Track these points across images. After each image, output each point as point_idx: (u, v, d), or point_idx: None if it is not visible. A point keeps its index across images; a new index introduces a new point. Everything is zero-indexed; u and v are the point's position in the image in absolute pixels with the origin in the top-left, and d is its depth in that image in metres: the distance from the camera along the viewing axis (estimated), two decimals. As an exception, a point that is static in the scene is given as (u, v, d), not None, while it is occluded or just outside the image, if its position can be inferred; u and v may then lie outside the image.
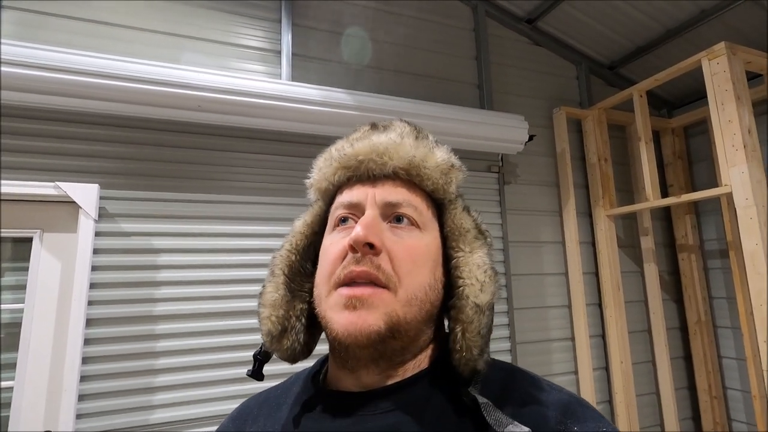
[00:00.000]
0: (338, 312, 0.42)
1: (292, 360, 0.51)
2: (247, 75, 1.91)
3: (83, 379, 1.50)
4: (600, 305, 2.43)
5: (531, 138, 2.26)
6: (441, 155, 0.51)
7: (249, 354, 1.63)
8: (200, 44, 1.94)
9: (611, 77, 2.76)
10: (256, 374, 0.52)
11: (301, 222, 0.55)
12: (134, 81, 1.64)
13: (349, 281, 0.43)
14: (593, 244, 2.48)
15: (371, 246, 0.43)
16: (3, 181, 1.48)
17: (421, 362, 0.46)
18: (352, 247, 0.43)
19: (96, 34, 1.77)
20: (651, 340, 2.50)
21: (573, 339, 2.35)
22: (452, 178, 0.52)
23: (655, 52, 2.51)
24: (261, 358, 0.52)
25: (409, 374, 0.45)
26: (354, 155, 0.49)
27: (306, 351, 0.53)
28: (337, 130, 1.94)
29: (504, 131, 2.21)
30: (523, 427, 0.38)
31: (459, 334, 0.44)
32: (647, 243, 2.53)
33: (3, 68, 1.49)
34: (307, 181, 0.56)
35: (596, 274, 2.46)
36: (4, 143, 1.55)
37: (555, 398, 0.43)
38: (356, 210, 0.48)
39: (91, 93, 1.59)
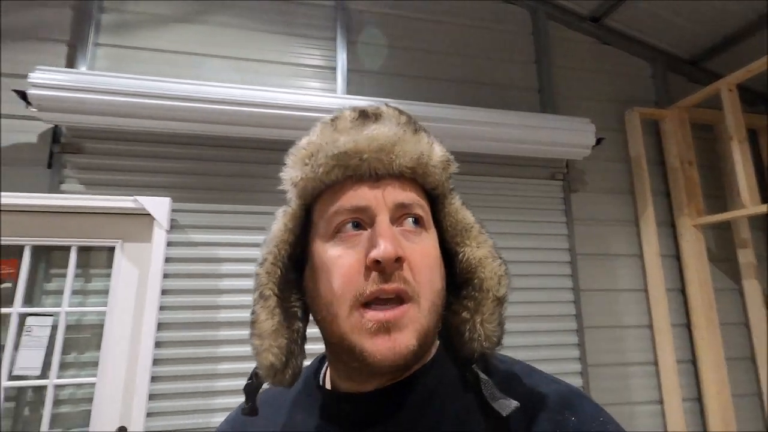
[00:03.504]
0: (367, 337, 0.40)
1: (292, 385, 0.47)
2: (305, 91, 1.98)
3: (154, 379, 1.60)
4: (689, 326, 2.15)
5: (599, 141, 2.10)
6: (439, 149, 0.49)
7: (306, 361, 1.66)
8: (264, 66, 2.06)
9: (694, 73, 2.50)
10: (252, 410, 0.47)
11: (281, 227, 0.48)
12: (203, 102, 1.77)
13: (374, 299, 0.41)
14: (678, 257, 2.22)
15: (397, 260, 0.40)
16: (91, 196, 1.66)
17: (425, 359, 0.47)
18: (377, 263, 0.40)
19: (173, 63, 1.95)
20: (756, 369, 2.16)
21: (656, 364, 2.09)
22: (450, 173, 0.50)
23: (747, 42, 2.24)
24: (253, 390, 0.48)
25: (413, 370, 0.45)
26: (356, 152, 0.44)
27: (301, 369, 0.49)
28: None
29: (567, 135, 2.08)
30: (512, 401, 0.39)
31: (477, 325, 0.44)
32: (746, 256, 2.21)
33: (96, 96, 1.68)
34: (284, 177, 0.49)
35: (683, 291, 2.19)
36: (91, 163, 1.75)
37: (554, 389, 0.43)
38: (363, 215, 0.43)
39: (164, 114, 1.73)
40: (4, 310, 1.54)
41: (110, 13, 1.95)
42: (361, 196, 0.44)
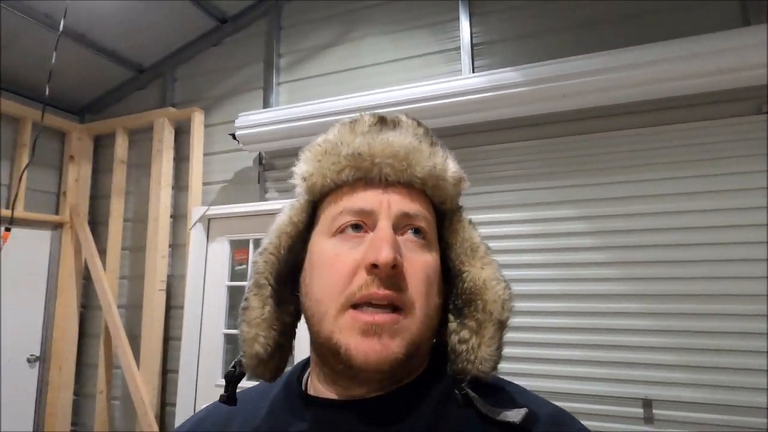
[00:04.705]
0: (354, 337, 0.40)
1: (274, 380, 0.48)
2: (441, 78, 2.05)
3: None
4: None
5: (831, 47, 1.43)
6: (452, 165, 0.49)
7: (551, 336, 1.79)
8: (400, 64, 2.25)
9: None
10: (230, 399, 0.48)
11: (286, 219, 0.49)
12: (349, 113, 2.10)
13: (365, 302, 0.40)
14: None
15: (393, 266, 0.40)
16: (282, 201, 2.25)
17: (416, 373, 0.45)
18: (374, 267, 0.40)
19: (332, 82, 2.36)
20: None
21: None
22: (460, 190, 0.50)
23: None
24: (236, 379, 0.48)
25: (403, 383, 0.44)
26: (369, 155, 0.44)
27: (285, 366, 0.50)
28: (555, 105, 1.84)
29: (774, 50, 1.50)
30: (519, 409, 0.39)
31: (476, 346, 0.43)
32: None
33: (278, 126, 2.23)
34: (296, 171, 0.49)
35: None
36: (280, 176, 2.35)
37: (545, 410, 0.42)
38: (367, 218, 0.43)
39: (324, 130, 2.14)
40: (242, 283, 2.29)
41: (285, 57, 2.52)
42: (367, 199, 0.44)
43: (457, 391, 0.42)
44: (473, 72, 2.07)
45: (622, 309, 1.72)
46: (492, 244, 1.82)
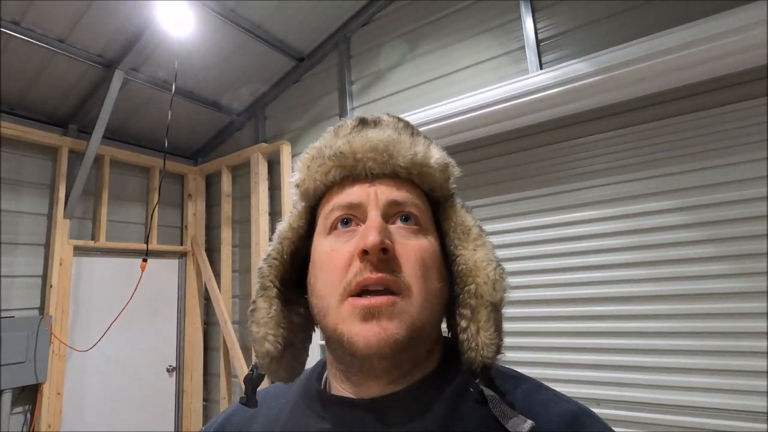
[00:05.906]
0: (355, 324, 0.40)
1: (291, 380, 0.49)
2: (518, 78, 2.02)
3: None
4: None
5: None
6: (437, 152, 0.50)
7: (658, 342, 1.68)
8: (466, 72, 2.26)
9: None
10: (250, 401, 0.48)
11: (286, 226, 0.51)
12: (421, 126, 2.17)
13: (362, 289, 0.41)
14: None
15: (384, 251, 0.41)
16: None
17: (427, 366, 0.46)
18: (365, 253, 0.41)
19: (403, 100, 2.45)
20: None
21: None
22: (449, 175, 0.51)
23: None
24: (254, 382, 0.48)
25: (416, 379, 0.44)
26: (351, 153, 0.46)
27: (302, 366, 0.51)
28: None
29: None
30: (527, 420, 0.38)
31: (473, 333, 0.43)
32: None
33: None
34: (291, 181, 0.52)
35: None
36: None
37: (563, 408, 0.42)
38: (357, 211, 0.45)
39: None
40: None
41: (356, 83, 2.68)
42: (355, 193, 0.45)
43: (472, 389, 0.42)
44: (541, 68, 2.01)
45: (740, 309, 1.51)
46: (579, 244, 1.78)
